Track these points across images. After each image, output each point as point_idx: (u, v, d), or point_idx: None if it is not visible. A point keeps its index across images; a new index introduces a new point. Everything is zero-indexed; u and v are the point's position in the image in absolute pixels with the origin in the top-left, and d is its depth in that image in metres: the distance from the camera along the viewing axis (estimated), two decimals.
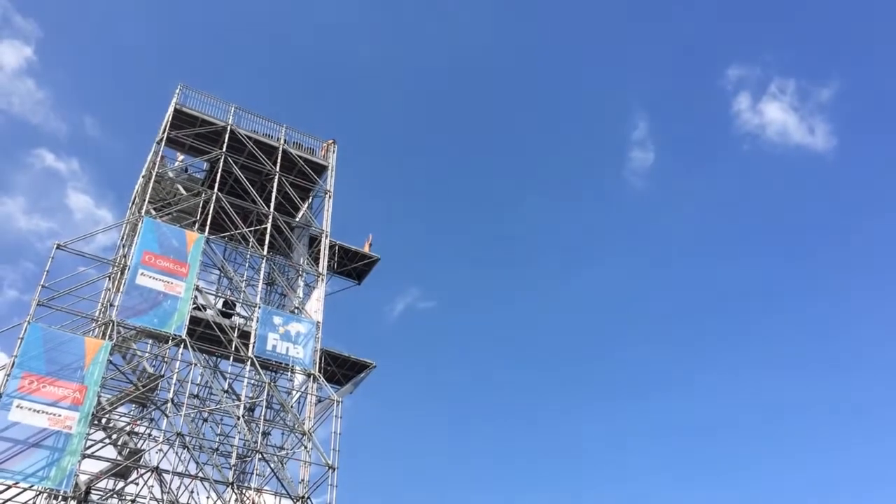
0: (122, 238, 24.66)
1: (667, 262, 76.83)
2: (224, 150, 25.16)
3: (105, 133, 75.37)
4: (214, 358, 24.10)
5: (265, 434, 23.05)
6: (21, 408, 17.28)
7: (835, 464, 65.61)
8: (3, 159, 70.16)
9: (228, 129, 25.52)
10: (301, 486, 20.83)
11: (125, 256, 22.81)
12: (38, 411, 17.42)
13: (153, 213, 22.96)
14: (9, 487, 17.70)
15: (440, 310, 74.85)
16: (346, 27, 77.25)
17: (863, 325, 71.36)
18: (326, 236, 26.23)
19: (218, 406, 23.09)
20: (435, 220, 79.16)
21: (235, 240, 25.11)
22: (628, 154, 77.53)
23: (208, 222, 23.45)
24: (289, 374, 23.91)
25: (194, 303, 21.72)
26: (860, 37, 74.63)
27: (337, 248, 27.02)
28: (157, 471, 19.06)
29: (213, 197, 24.06)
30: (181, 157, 26.52)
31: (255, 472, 21.26)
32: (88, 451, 18.63)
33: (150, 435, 21.69)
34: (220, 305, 24.38)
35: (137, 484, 20.98)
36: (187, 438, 19.88)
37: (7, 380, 17.45)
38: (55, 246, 20.41)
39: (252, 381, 23.34)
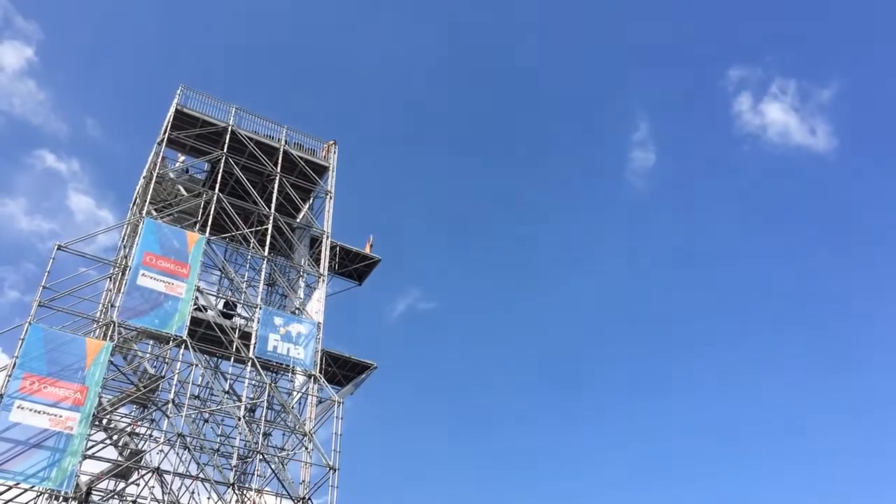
0: (123, 239, 24.66)
1: (668, 263, 76.86)
2: (225, 150, 25.18)
3: (106, 134, 75.47)
4: (215, 359, 24.11)
5: (266, 435, 23.05)
6: (22, 408, 17.29)
7: (834, 463, 65.69)
8: (4, 160, 70.27)
9: (229, 129, 25.54)
10: (302, 486, 20.83)
11: (126, 257, 22.81)
12: (39, 412, 17.43)
13: (154, 213, 22.97)
14: (10, 488, 17.70)
15: (441, 311, 74.93)
16: (347, 28, 77.36)
17: (864, 325, 71.41)
18: (327, 237, 26.24)
19: (219, 407, 23.09)
20: (436, 221, 79.21)
21: (236, 241, 25.12)
22: (629, 155, 77.60)
23: (209, 223, 23.46)
24: (290, 374, 23.91)
25: (195, 304, 21.72)
26: (861, 37, 74.70)
27: (338, 248, 27.03)
28: (158, 471, 19.08)
29: (214, 198, 24.07)
30: (182, 158, 26.55)
31: (255, 472, 21.24)
32: (89, 452, 18.61)
33: (150, 436, 21.70)
34: (220, 306, 24.38)
35: (138, 485, 20.96)
36: (188, 439, 19.89)
37: (8, 380, 17.46)
38: (56, 247, 20.43)
39: (253, 382, 23.33)
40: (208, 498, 20.33)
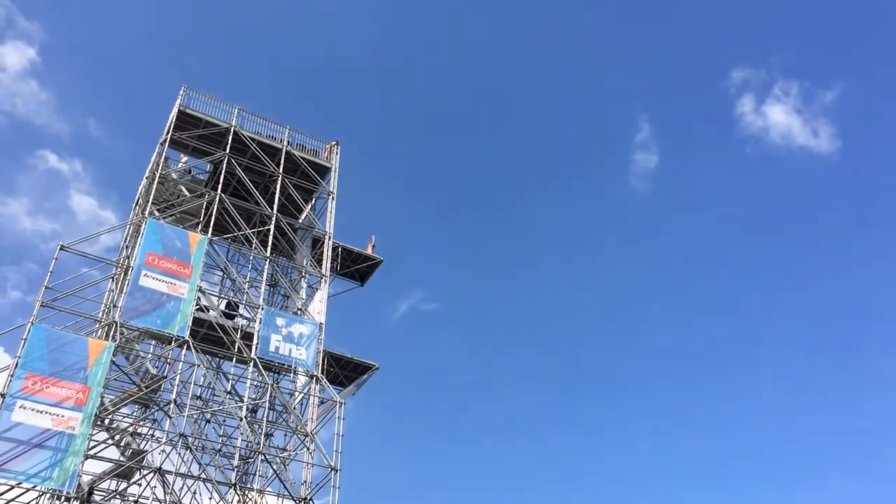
0: (126, 239, 24.71)
1: (669, 263, 76.80)
2: (227, 151, 25.20)
3: (108, 134, 75.58)
4: (217, 359, 24.13)
5: (268, 435, 23.06)
6: (24, 408, 17.31)
7: (835, 464, 65.59)
8: (6, 161, 70.39)
9: (232, 130, 25.55)
10: (303, 487, 20.84)
11: (128, 258, 22.85)
12: (41, 412, 17.45)
13: (156, 214, 23.00)
14: (12, 488, 17.72)
15: (443, 311, 74.93)
16: (348, 28, 77.42)
17: (865, 326, 71.31)
18: (329, 238, 26.26)
19: (221, 407, 23.11)
20: (438, 222, 79.25)
21: (238, 241, 25.15)
22: (632, 156, 77.56)
23: (211, 224, 23.49)
24: (291, 375, 23.92)
25: (197, 304, 21.74)
26: (864, 39, 74.62)
27: (340, 249, 27.05)
28: (160, 472, 19.10)
29: (217, 198, 24.09)
30: (185, 159, 26.60)
31: (257, 473, 21.26)
32: (91, 452, 18.63)
33: (152, 436, 21.74)
34: (223, 307, 24.41)
35: (140, 485, 21.01)
36: (190, 439, 19.91)
37: (10, 380, 17.48)
38: (59, 247, 20.45)
39: (255, 383, 23.38)
40: (210, 498, 20.34)
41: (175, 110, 24.94)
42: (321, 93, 77.76)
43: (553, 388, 73.13)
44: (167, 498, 19.34)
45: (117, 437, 21.00)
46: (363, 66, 79.69)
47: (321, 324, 23.83)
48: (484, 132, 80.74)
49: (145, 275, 20.87)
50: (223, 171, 24.83)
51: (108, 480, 21.42)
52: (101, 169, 76.26)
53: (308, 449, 21.51)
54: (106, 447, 20.52)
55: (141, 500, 21.57)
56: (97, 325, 20.81)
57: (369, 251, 28.28)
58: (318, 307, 24.60)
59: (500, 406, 70.98)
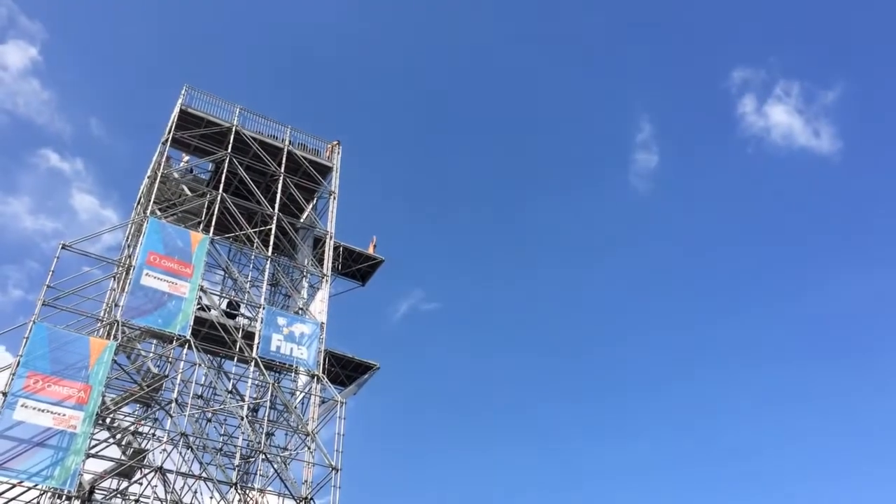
0: (127, 238, 24.72)
1: (670, 264, 76.77)
2: (229, 151, 25.21)
3: (110, 134, 75.64)
4: (218, 358, 24.15)
5: (269, 435, 23.06)
6: (26, 407, 17.32)
7: (836, 461, 65.59)
8: (8, 160, 70.45)
9: (234, 130, 25.56)
10: (304, 487, 20.85)
11: (130, 257, 22.86)
12: (42, 410, 17.47)
13: (158, 213, 23.02)
14: (13, 486, 17.74)
15: (444, 311, 74.92)
16: (350, 28, 77.45)
17: (866, 328, 71.27)
18: (331, 238, 26.27)
19: (222, 406, 23.12)
20: (439, 222, 79.21)
21: (240, 241, 25.15)
22: (632, 156, 77.53)
23: (213, 223, 23.50)
24: (292, 374, 23.92)
25: (199, 303, 21.76)
26: (865, 39, 74.55)
27: (341, 249, 27.06)
28: (161, 471, 19.09)
29: (218, 198, 24.10)
30: (186, 158, 26.59)
31: (258, 472, 21.26)
32: (92, 451, 18.65)
33: (153, 435, 21.73)
34: (224, 306, 24.43)
35: (141, 484, 21.00)
36: (191, 439, 19.93)
37: (12, 379, 17.50)
38: (60, 246, 20.46)
39: (256, 382, 23.40)
40: (211, 497, 20.37)
41: (177, 110, 24.95)
42: (323, 92, 77.85)
43: (554, 388, 73.18)
44: (168, 497, 19.34)
45: (118, 436, 21.01)
46: (365, 66, 79.81)
47: (322, 323, 23.84)
48: (485, 132, 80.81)
49: (147, 274, 20.88)
50: (225, 171, 24.84)
51: (110, 479, 21.44)
52: (103, 168, 76.39)
53: (309, 448, 21.53)
54: (107, 446, 20.54)
55: (142, 499, 21.57)
56: (99, 324, 20.81)
57: (370, 251, 28.29)
58: (319, 307, 24.61)
59: (501, 406, 71.04)
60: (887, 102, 72.85)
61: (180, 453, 20.75)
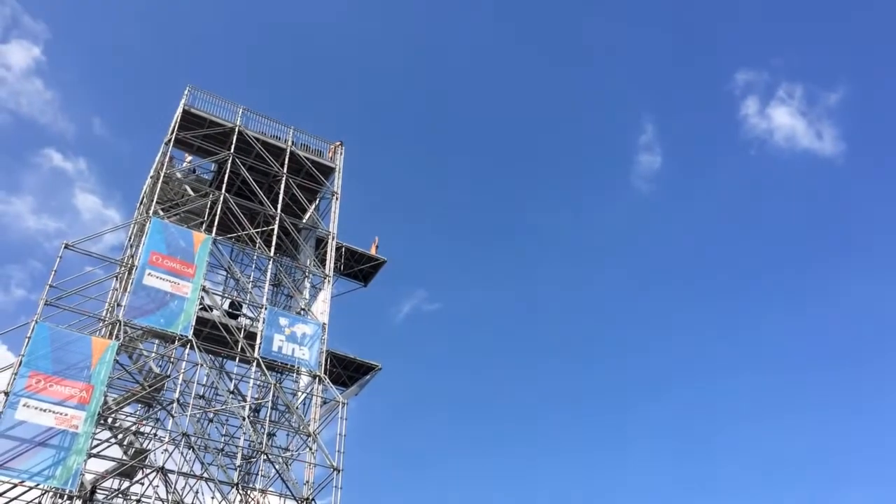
0: (130, 238, 24.73)
1: (672, 265, 76.70)
2: (232, 151, 25.22)
3: (113, 133, 75.75)
4: (220, 359, 24.16)
5: (270, 435, 23.05)
6: (28, 407, 17.33)
7: (835, 462, 65.53)
8: (11, 159, 70.56)
9: (236, 130, 25.58)
10: (306, 487, 20.85)
11: (132, 256, 22.87)
12: (44, 410, 17.47)
13: (161, 213, 23.03)
14: (14, 486, 17.75)
15: (446, 312, 74.89)
16: (352, 29, 77.48)
17: (867, 329, 71.16)
18: (333, 238, 26.27)
19: (223, 407, 23.12)
20: (441, 222, 79.21)
21: (242, 241, 25.16)
22: (635, 158, 77.44)
23: (215, 223, 23.51)
24: (294, 375, 23.92)
25: (201, 303, 21.76)
26: (868, 41, 74.45)
27: (343, 249, 27.04)
28: (163, 471, 19.09)
29: (221, 198, 24.12)
30: (189, 158, 26.61)
31: (259, 473, 21.28)
32: (94, 451, 18.66)
33: (155, 435, 21.76)
34: (226, 306, 24.42)
35: (143, 484, 21.02)
36: (193, 439, 19.92)
37: (14, 378, 17.51)
38: (63, 245, 20.48)
39: (258, 382, 23.38)
40: (212, 498, 20.36)
41: (180, 110, 24.98)
42: (325, 93, 77.89)
43: (555, 389, 73.13)
44: (169, 497, 19.34)
45: (120, 436, 21.03)
46: (367, 66, 79.84)
47: (324, 324, 23.83)
48: (488, 132, 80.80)
49: (149, 274, 20.89)
50: (227, 171, 24.85)
51: (111, 479, 21.46)
52: (106, 168, 76.45)
53: (310, 449, 21.52)
54: (109, 446, 20.56)
55: (143, 499, 21.60)
56: (101, 324, 20.83)
57: (373, 251, 28.27)
58: (321, 307, 24.61)
59: (502, 407, 71.00)
60: (890, 104, 72.78)
61: (182, 453, 20.77)
